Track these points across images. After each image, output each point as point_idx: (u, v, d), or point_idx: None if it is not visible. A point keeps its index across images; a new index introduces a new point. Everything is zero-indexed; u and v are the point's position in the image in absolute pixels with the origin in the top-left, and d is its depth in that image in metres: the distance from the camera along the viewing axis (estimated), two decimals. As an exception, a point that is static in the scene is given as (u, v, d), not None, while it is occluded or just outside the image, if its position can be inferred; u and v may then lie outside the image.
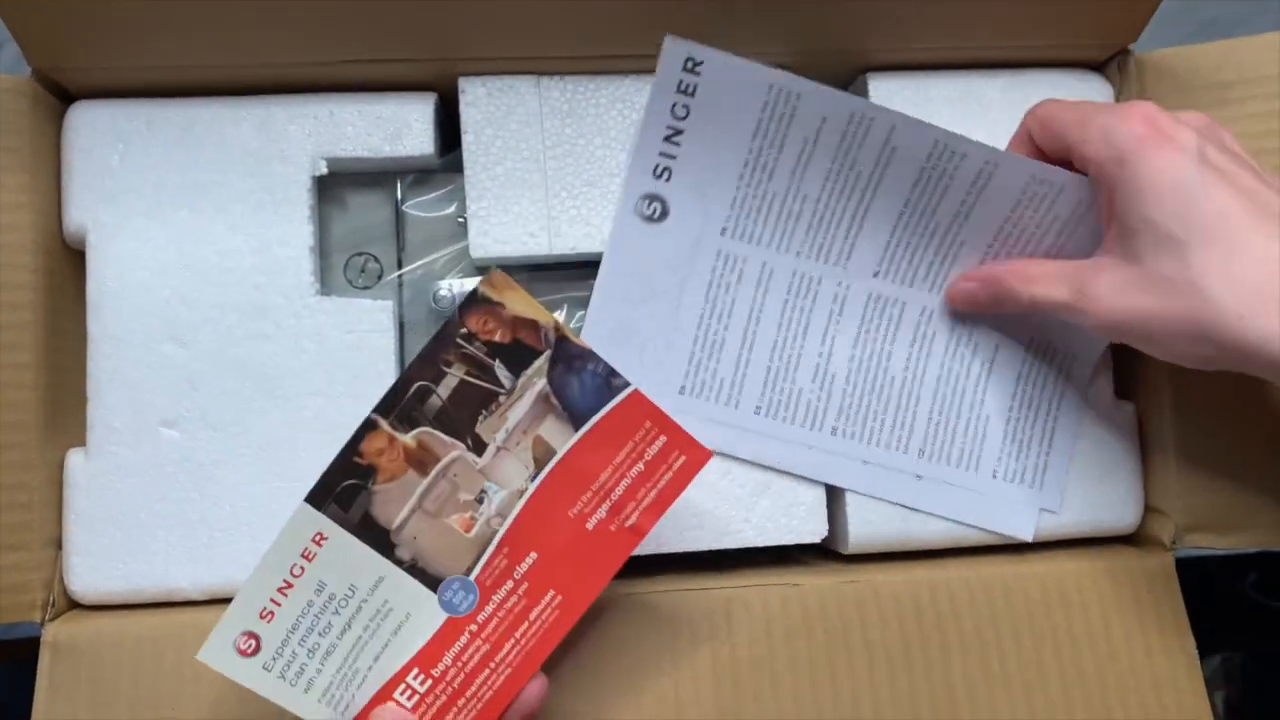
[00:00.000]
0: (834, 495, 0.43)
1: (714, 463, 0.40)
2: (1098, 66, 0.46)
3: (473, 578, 0.36)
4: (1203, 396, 0.43)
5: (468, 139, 0.42)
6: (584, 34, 0.41)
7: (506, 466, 0.36)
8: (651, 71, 0.39)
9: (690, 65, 0.39)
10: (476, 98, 0.42)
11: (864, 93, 0.44)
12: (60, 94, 0.42)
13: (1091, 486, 0.44)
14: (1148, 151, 0.35)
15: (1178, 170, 0.35)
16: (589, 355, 0.36)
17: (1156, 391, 0.44)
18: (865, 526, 0.42)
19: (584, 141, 0.43)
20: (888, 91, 0.44)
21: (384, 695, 0.36)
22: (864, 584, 0.41)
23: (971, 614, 0.41)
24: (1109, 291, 0.36)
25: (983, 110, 0.44)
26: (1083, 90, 0.45)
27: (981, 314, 0.42)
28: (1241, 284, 0.33)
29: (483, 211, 0.42)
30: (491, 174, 0.42)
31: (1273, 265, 0.33)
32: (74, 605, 0.41)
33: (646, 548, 0.38)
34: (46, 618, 0.40)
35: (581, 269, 0.43)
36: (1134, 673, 0.41)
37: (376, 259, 0.44)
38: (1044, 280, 0.38)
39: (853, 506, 0.42)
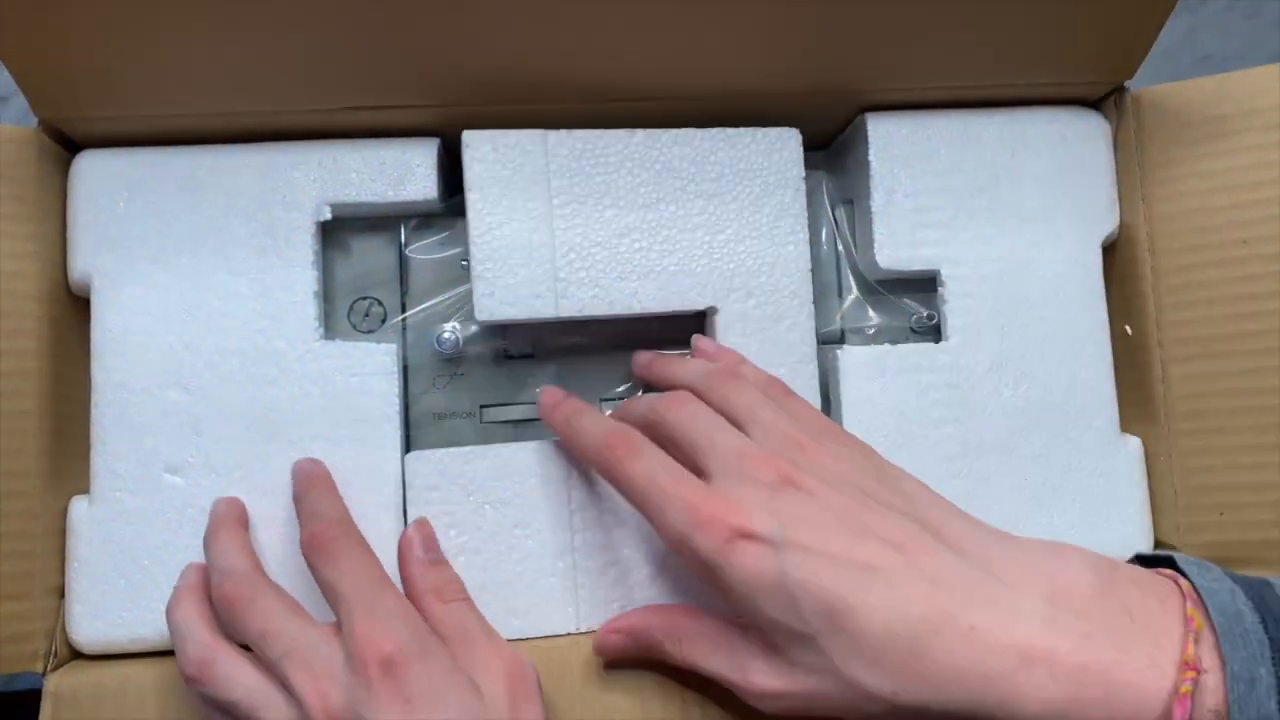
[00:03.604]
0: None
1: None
2: (1095, 103, 0.46)
3: None
4: (1210, 430, 0.43)
5: (472, 197, 0.41)
6: (584, 88, 0.41)
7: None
8: (662, 123, 0.42)
9: None
10: (482, 154, 0.42)
11: (863, 132, 0.44)
12: (66, 144, 0.42)
13: (1099, 522, 0.44)
14: (734, 560, 0.32)
15: (770, 572, 0.32)
16: None
17: (1162, 425, 0.44)
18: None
19: (593, 201, 0.42)
20: (886, 130, 0.44)
21: None
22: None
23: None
24: (767, 677, 0.34)
25: (980, 149, 0.45)
26: (1080, 127, 0.45)
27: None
28: (877, 658, 0.31)
29: (488, 273, 0.41)
30: (498, 234, 0.41)
31: (894, 625, 0.31)
32: (76, 655, 0.40)
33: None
34: (48, 668, 0.39)
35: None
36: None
37: (380, 303, 0.44)
38: (700, 645, 0.36)
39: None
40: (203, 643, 0.36)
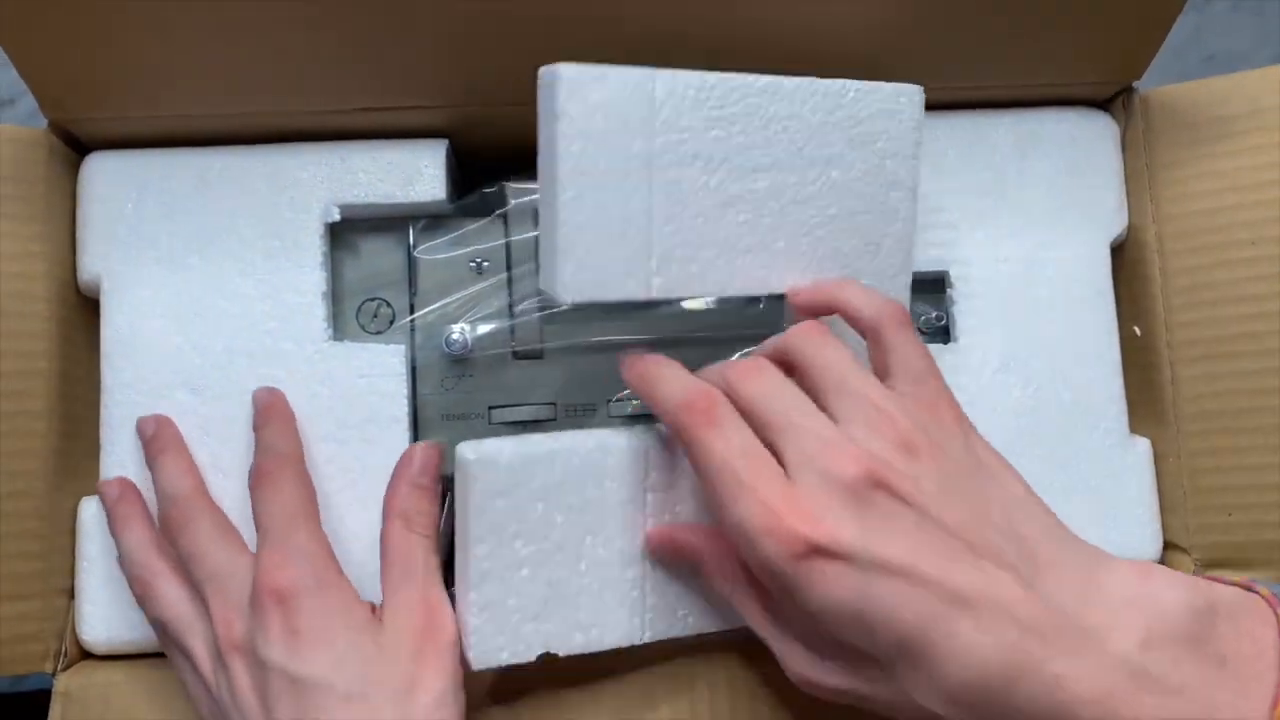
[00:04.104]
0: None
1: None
2: (1103, 104, 0.46)
3: None
4: (1218, 431, 0.43)
5: (568, 148, 0.33)
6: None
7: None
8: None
9: None
10: (583, 96, 0.33)
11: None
12: (75, 145, 0.42)
13: (1108, 523, 0.44)
14: (810, 578, 0.30)
15: (847, 594, 0.29)
16: None
17: (1171, 426, 0.44)
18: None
19: (700, 163, 0.35)
20: (894, 131, 0.44)
21: None
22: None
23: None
24: (815, 670, 0.33)
25: (988, 150, 0.45)
26: (1088, 128, 0.45)
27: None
28: (953, 696, 0.29)
29: (578, 245, 0.33)
30: (592, 199, 0.33)
31: (976, 668, 0.29)
32: (86, 655, 0.41)
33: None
34: (58, 668, 0.39)
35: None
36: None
37: (389, 304, 0.44)
38: (750, 604, 0.35)
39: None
40: (146, 564, 0.37)
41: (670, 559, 0.37)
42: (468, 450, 0.36)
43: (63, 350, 0.41)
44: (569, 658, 0.37)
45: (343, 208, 0.42)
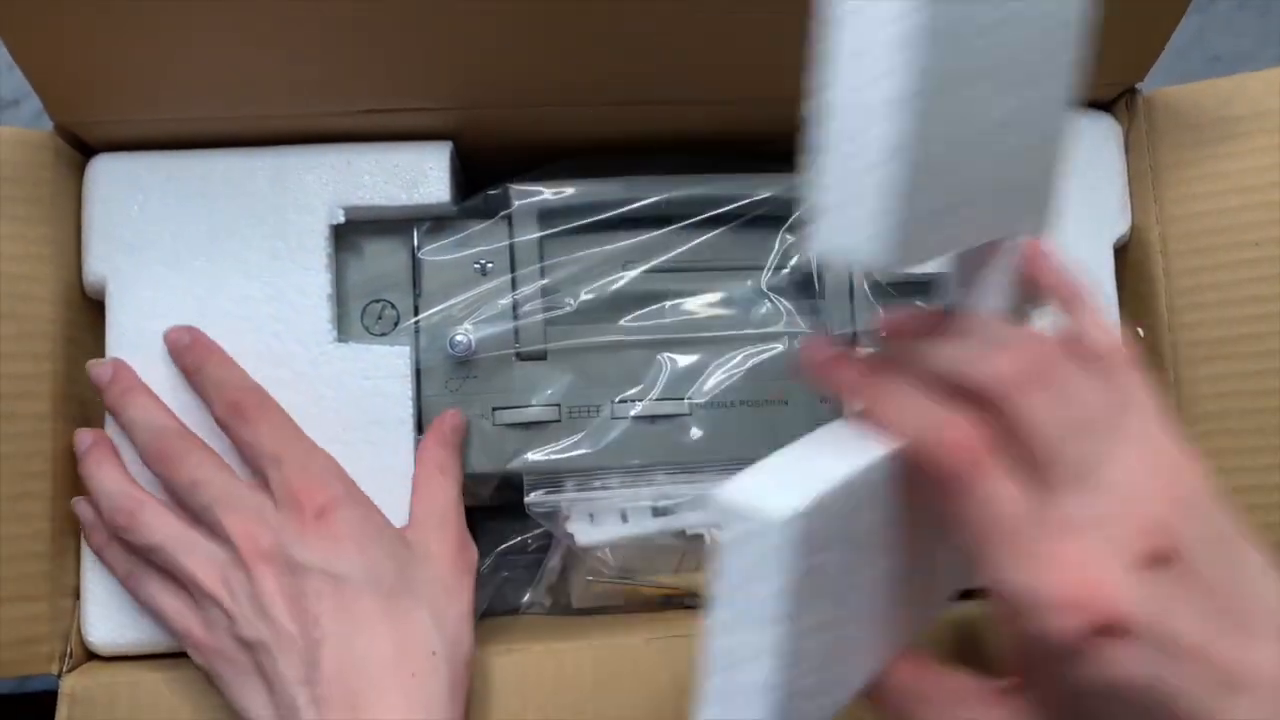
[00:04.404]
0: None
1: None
2: (1106, 105, 0.46)
3: None
4: (1221, 432, 0.43)
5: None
6: (600, 91, 0.42)
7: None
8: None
9: None
10: None
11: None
12: (81, 147, 0.42)
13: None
14: (1103, 657, 0.26)
15: (1138, 679, 0.26)
16: None
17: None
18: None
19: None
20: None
21: None
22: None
23: (997, 648, 0.40)
24: None
25: (992, 150, 0.45)
26: (1091, 129, 0.45)
27: None
28: None
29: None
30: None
31: None
32: (91, 656, 0.41)
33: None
34: (64, 669, 0.39)
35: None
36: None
37: (393, 305, 0.44)
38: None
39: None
40: (129, 494, 0.38)
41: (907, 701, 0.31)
42: (744, 497, 0.26)
43: (68, 352, 0.41)
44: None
45: (347, 210, 0.42)
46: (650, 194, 0.44)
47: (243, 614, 0.35)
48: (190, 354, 0.40)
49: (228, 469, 0.38)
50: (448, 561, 0.38)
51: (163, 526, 0.37)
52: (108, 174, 0.42)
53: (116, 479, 0.38)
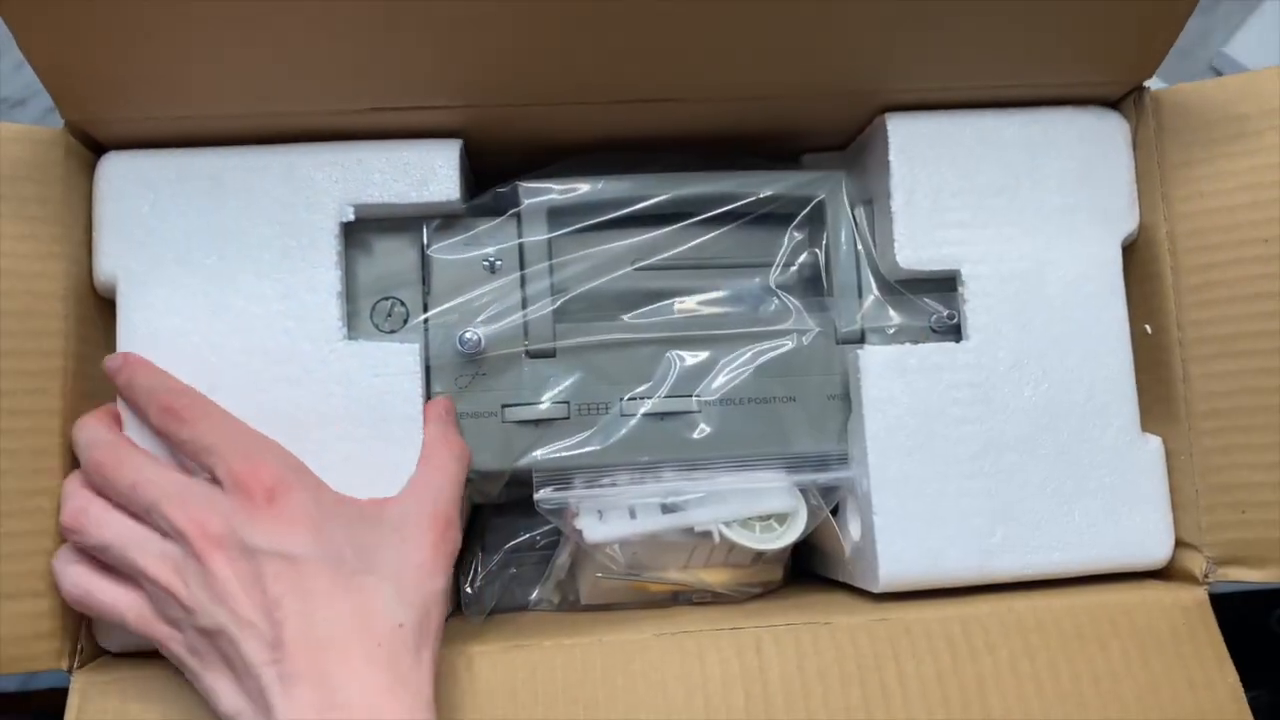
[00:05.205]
0: (865, 536, 0.43)
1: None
2: (1114, 103, 0.46)
3: None
4: (1231, 429, 0.43)
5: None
6: (608, 89, 0.42)
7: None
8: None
9: None
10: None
11: (883, 132, 0.45)
12: (92, 145, 0.42)
13: (1120, 521, 0.44)
14: None
15: None
16: None
17: (1183, 424, 0.44)
18: (895, 564, 0.42)
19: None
20: (906, 131, 0.44)
21: None
22: (894, 621, 0.41)
23: (1006, 648, 0.40)
24: None
25: (1000, 149, 0.45)
26: (1100, 127, 0.45)
27: None
28: None
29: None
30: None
31: None
32: (102, 653, 0.41)
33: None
34: (74, 665, 0.39)
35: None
36: (1177, 704, 0.40)
37: (403, 303, 0.44)
38: None
39: (883, 544, 0.42)
40: (78, 495, 0.38)
41: None
42: None
43: (79, 349, 0.41)
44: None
45: (357, 207, 0.42)
46: (659, 192, 0.45)
47: (200, 604, 0.35)
48: (121, 375, 0.40)
49: (169, 466, 0.38)
50: (427, 542, 0.37)
51: (111, 523, 0.37)
52: (118, 172, 0.42)
53: (74, 485, 0.38)
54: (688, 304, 0.45)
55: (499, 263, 0.44)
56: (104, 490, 0.37)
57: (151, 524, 0.36)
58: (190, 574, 0.35)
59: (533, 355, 0.44)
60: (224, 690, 0.35)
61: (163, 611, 0.36)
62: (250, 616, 0.34)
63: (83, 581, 0.37)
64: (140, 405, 0.39)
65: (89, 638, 0.40)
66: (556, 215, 0.44)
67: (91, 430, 0.39)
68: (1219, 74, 0.43)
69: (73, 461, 0.40)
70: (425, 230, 0.44)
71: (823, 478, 0.44)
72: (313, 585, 0.34)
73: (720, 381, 0.44)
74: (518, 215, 0.44)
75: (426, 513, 0.38)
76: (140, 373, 0.40)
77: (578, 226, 0.44)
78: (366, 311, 0.44)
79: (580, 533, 0.43)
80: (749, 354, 0.45)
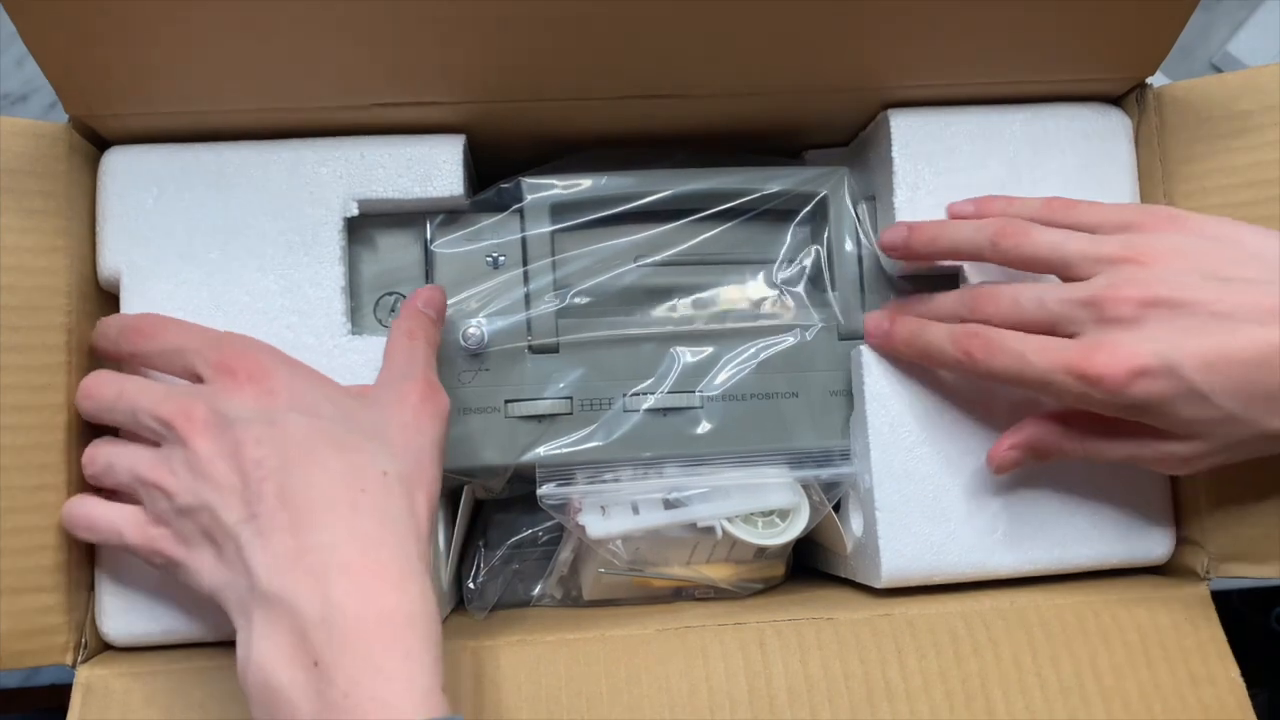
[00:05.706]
0: (867, 531, 0.43)
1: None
2: (1116, 99, 0.46)
3: None
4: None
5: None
6: (611, 85, 0.42)
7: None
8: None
9: None
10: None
11: (886, 128, 0.45)
12: (95, 140, 0.43)
13: (1123, 521, 0.44)
14: (1135, 392, 0.36)
15: (1179, 390, 0.36)
16: None
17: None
18: (897, 560, 0.42)
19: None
20: (909, 127, 0.44)
21: None
22: (898, 616, 0.41)
23: (1009, 643, 0.41)
24: (1184, 446, 0.37)
25: (1003, 145, 0.45)
26: (1102, 123, 0.45)
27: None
28: None
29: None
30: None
31: None
32: (106, 647, 0.41)
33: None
34: (79, 660, 0.40)
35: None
36: (1179, 699, 0.40)
37: (406, 298, 0.44)
38: (1098, 438, 0.40)
39: (885, 540, 0.42)
40: (93, 444, 0.39)
41: (1021, 459, 0.41)
42: None
43: (84, 344, 0.41)
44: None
45: (361, 203, 0.42)
46: (662, 188, 0.45)
47: (182, 485, 0.34)
48: (92, 338, 0.40)
49: (147, 379, 0.38)
50: (410, 406, 0.37)
51: (113, 447, 0.38)
52: (122, 167, 0.42)
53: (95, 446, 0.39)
54: (691, 300, 0.45)
55: (502, 258, 0.44)
56: (99, 416, 0.38)
57: (144, 436, 0.37)
58: (177, 462, 0.35)
59: (536, 351, 0.44)
60: (206, 567, 0.34)
61: (154, 511, 0.36)
62: (230, 481, 0.33)
63: (85, 508, 0.38)
64: (111, 348, 0.39)
65: (93, 633, 0.40)
66: (559, 211, 0.44)
67: (86, 378, 0.39)
68: (1220, 72, 0.43)
69: (77, 455, 0.40)
70: (429, 225, 0.44)
71: (825, 473, 0.44)
72: (295, 439, 0.34)
73: (723, 377, 0.44)
74: (521, 211, 0.44)
75: (407, 378, 0.38)
76: (102, 323, 0.40)
77: (581, 222, 0.44)
78: (370, 306, 0.44)
79: (583, 528, 0.43)
80: (752, 350, 0.45)
